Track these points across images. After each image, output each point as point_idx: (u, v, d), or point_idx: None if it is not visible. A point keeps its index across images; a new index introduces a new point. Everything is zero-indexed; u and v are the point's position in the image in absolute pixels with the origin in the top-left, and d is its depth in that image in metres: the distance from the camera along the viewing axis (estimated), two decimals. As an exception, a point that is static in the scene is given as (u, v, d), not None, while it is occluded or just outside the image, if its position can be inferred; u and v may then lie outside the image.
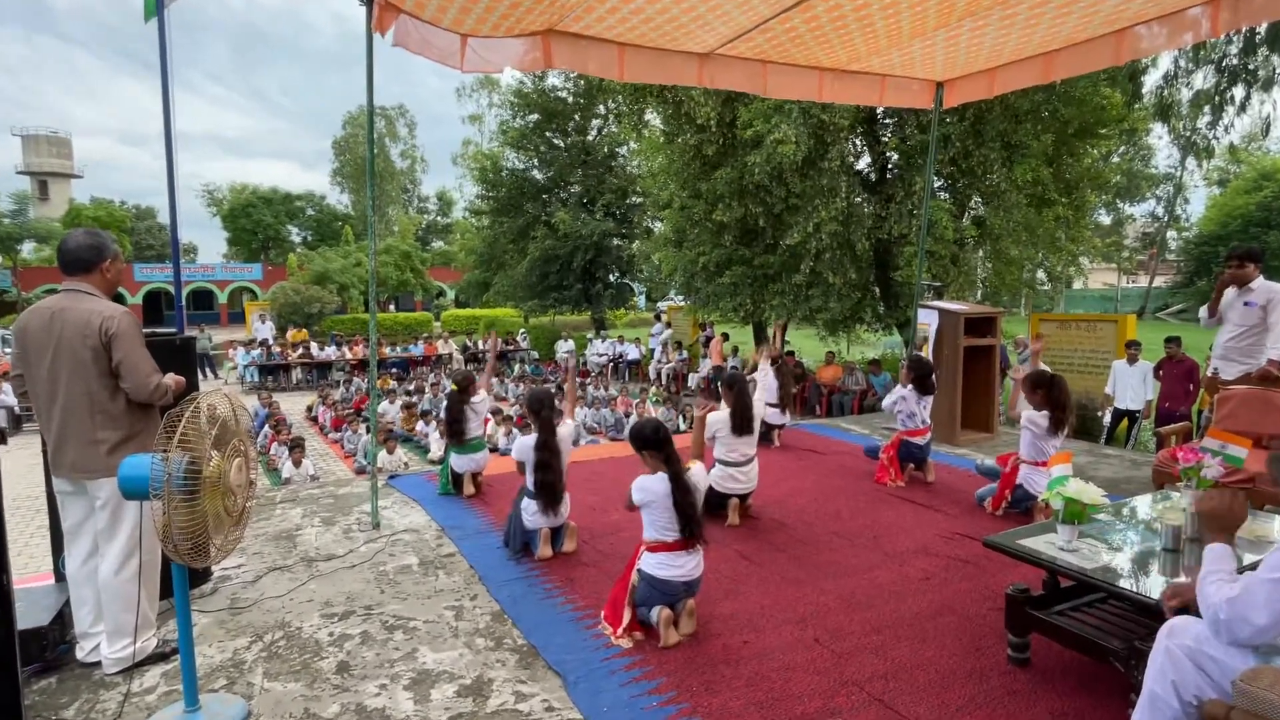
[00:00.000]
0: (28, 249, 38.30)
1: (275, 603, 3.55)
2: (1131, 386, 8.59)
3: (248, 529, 3.17)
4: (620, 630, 3.04)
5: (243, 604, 3.53)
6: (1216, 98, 14.40)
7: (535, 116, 23.32)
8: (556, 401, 4.30)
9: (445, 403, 5.29)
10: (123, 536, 2.83)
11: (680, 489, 2.99)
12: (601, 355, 20.16)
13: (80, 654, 2.93)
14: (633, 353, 19.90)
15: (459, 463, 5.27)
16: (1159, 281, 39.41)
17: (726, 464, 4.49)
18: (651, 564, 3.04)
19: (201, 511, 2.39)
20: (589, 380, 17.06)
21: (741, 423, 4.45)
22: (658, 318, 21.61)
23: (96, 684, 2.83)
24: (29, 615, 2.86)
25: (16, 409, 13.04)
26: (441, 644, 3.13)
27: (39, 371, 2.71)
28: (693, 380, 16.69)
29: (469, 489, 5.28)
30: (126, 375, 2.72)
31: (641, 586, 3.06)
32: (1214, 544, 2.10)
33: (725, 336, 16.78)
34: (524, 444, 4.04)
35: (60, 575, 3.26)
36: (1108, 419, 9.03)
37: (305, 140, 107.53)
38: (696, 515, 3.03)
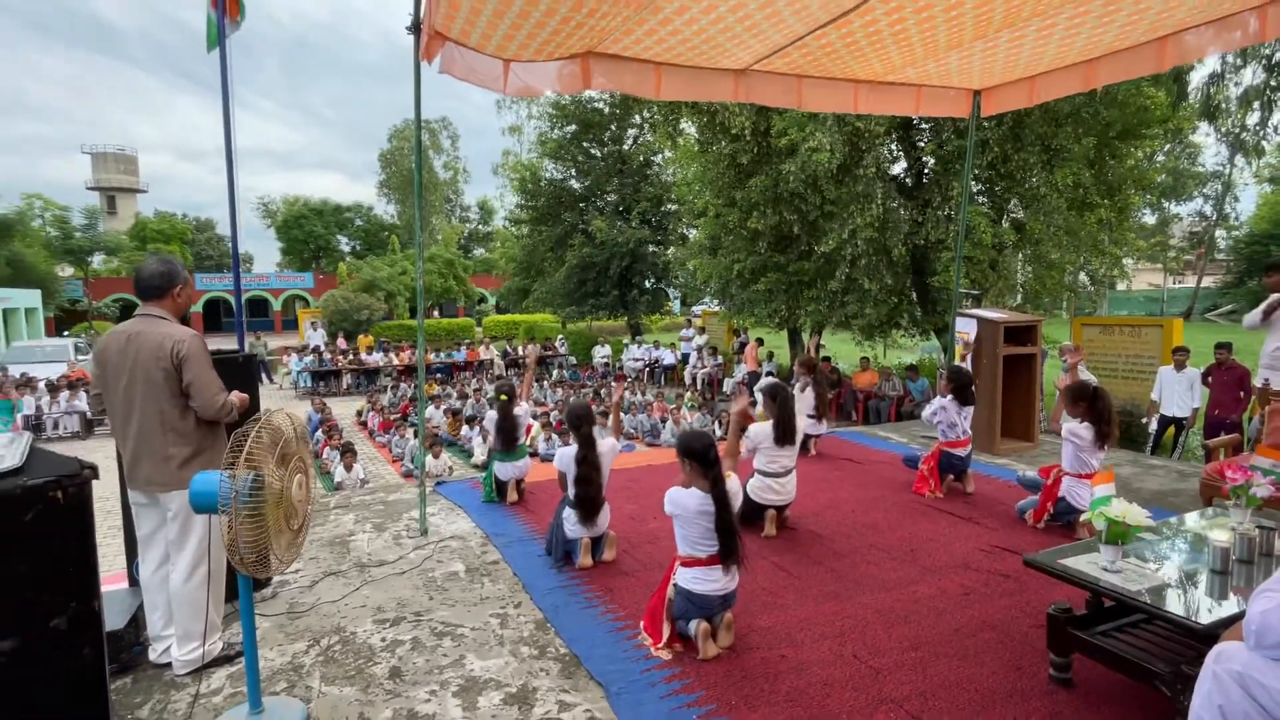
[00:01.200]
0: (97, 260, 39.92)
1: (331, 608, 3.66)
2: (1178, 393, 8.28)
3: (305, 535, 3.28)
4: (661, 643, 3.06)
5: (300, 609, 3.65)
6: (1266, 94, 13.84)
7: (572, 127, 23.51)
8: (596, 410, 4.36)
9: (496, 413, 5.34)
10: (191, 546, 2.95)
11: (722, 507, 2.98)
12: (637, 360, 20.21)
13: (153, 655, 3.07)
14: (668, 358, 19.90)
15: (502, 470, 5.36)
16: (1207, 282, 37.92)
17: (766, 475, 4.48)
18: (687, 579, 3.05)
19: (265, 525, 2.48)
20: (626, 385, 17.12)
21: (784, 434, 4.43)
22: (689, 323, 21.58)
23: (168, 684, 2.95)
24: (107, 619, 3.00)
25: (89, 414, 13.65)
26: (488, 651, 3.19)
27: (116, 392, 2.85)
28: (728, 385, 16.63)
29: (512, 496, 5.36)
30: (196, 395, 2.84)
31: (678, 600, 3.07)
32: None
33: (760, 342, 16.69)
34: (565, 455, 4.10)
35: (134, 580, 3.41)
36: (1154, 426, 8.73)
37: (352, 152, 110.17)
38: (736, 537, 3.00)
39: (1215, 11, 4.30)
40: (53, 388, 13.87)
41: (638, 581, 3.83)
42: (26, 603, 1.28)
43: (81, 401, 13.63)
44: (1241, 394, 7.75)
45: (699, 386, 17.17)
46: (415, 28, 4.28)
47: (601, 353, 21.79)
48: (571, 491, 4.03)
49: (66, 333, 30.77)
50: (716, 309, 20.19)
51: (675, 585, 3.09)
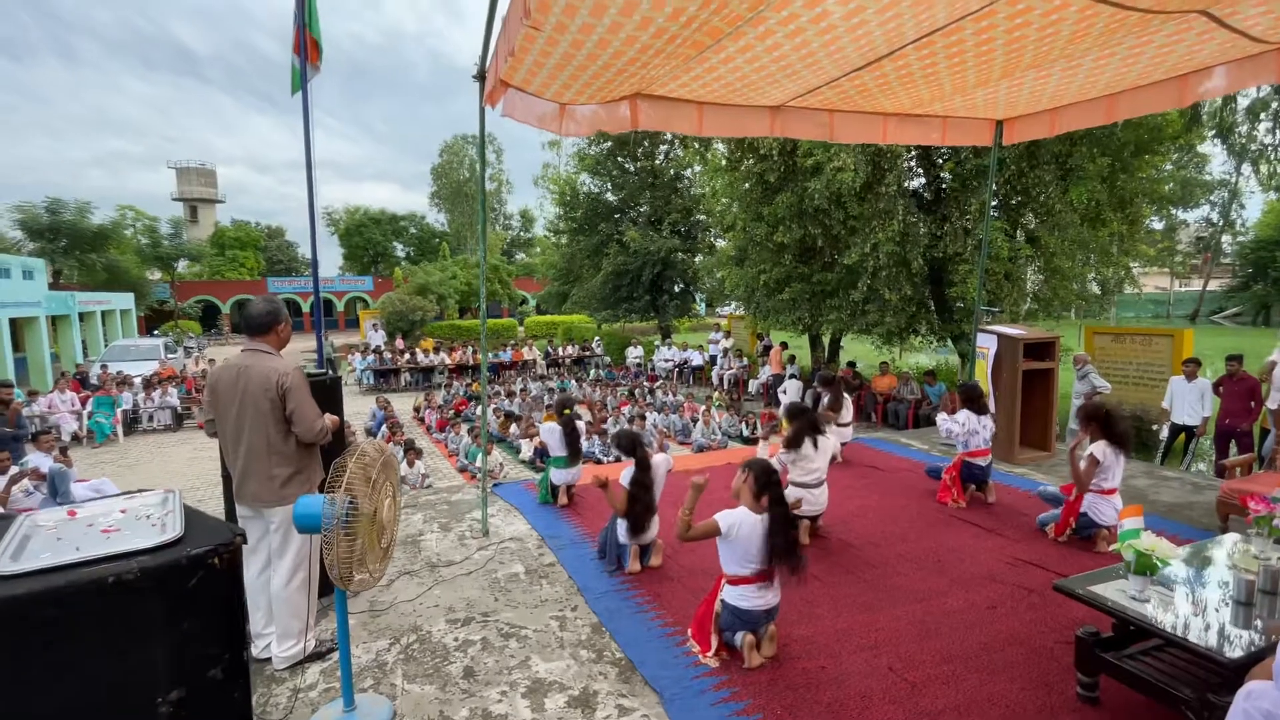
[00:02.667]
0: (181, 265, 41.14)
1: (407, 606, 3.76)
2: (1189, 403, 8.04)
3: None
4: (709, 652, 3.08)
5: (380, 607, 3.75)
6: (1276, 105, 13.27)
7: (608, 143, 23.51)
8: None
9: (560, 427, 5.45)
10: (291, 555, 3.06)
11: (782, 533, 2.99)
12: (667, 361, 20.21)
13: (254, 651, 3.19)
14: (697, 359, 19.86)
15: (558, 475, 5.44)
16: (1213, 285, 36.59)
17: (801, 485, 4.47)
18: (733, 595, 3.06)
19: (360, 544, 2.56)
20: (657, 384, 17.13)
21: (814, 441, 4.47)
22: (717, 327, 21.50)
23: (269, 679, 3.07)
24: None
25: (179, 409, 14.10)
26: (550, 654, 3.25)
27: (228, 419, 2.96)
28: (753, 386, 16.56)
29: (563, 499, 5.43)
30: (298, 421, 2.94)
31: (725, 614, 3.09)
32: None
33: (784, 345, 16.57)
34: (624, 476, 4.16)
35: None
36: (1165, 434, 8.49)
37: (405, 164, 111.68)
38: (796, 552, 3.00)
39: (1237, 52, 4.15)
40: (147, 384, 14.35)
41: (683, 587, 3.86)
42: (191, 657, 1.36)
43: (172, 397, 14.09)
44: (1252, 404, 7.51)
45: (726, 387, 17.11)
46: (481, 76, 4.35)
47: (634, 353, 21.84)
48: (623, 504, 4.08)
49: (156, 331, 31.82)
50: (741, 313, 20.05)
51: (722, 601, 3.11)
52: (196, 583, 1.36)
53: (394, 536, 2.82)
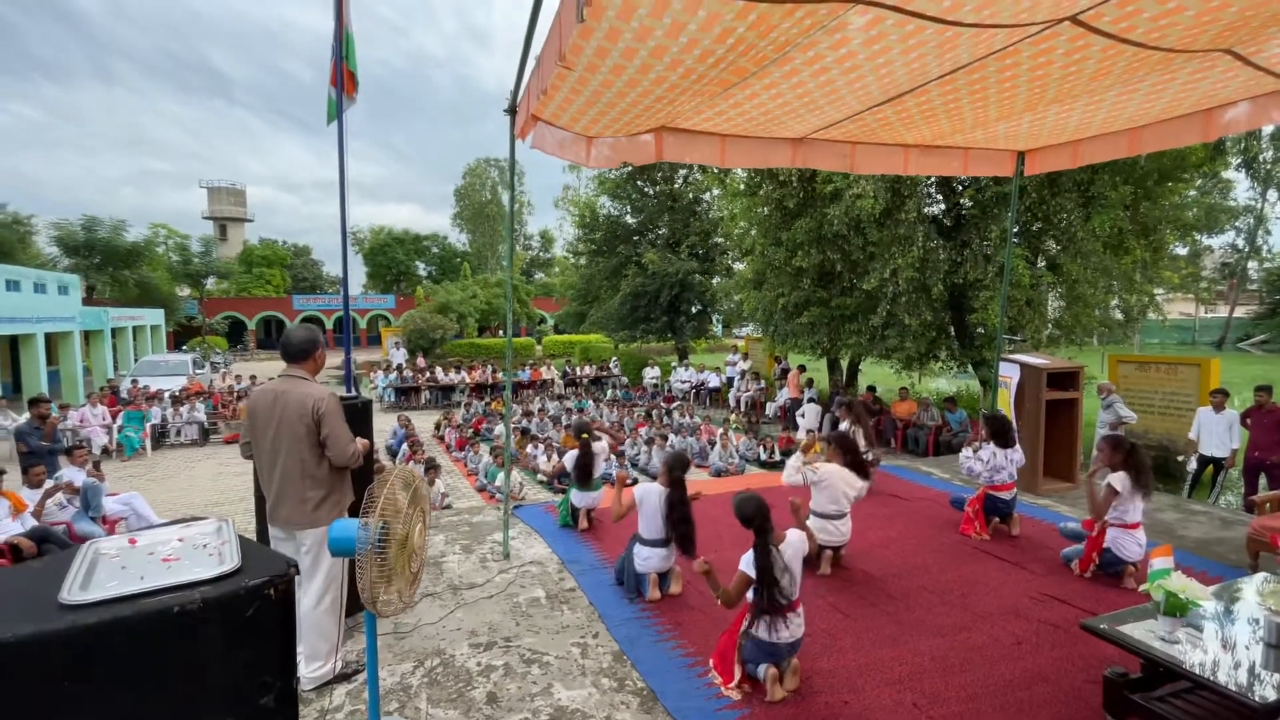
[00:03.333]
0: (210, 282, 42.07)
1: (431, 629, 3.79)
2: (1217, 434, 7.89)
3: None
4: (731, 684, 3.08)
5: (404, 629, 3.79)
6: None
7: (628, 168, 23.79)
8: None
9: (576, 452, 5.58)
10: (321, 576, 3.11)
11: (761, 574, 3.04)
12: (684, 382, 20.22)
13: (283, 671, 3.23)
14: (713, 380, 19.83)
15: (579, 499, 5.50)
16: (1239, 312, 35.93)
17: (823, 516, 4.44)
18: (762, 632, 3.04)
19: (390, 568, 2.61)
20: (674, 406, 17.13)
21: (858, 471, 4.51)
22: (734, 349, 21.50)
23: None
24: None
25: (205, 424, 14.35)
26: (572, 681, 3.26)
27: (264, 442, 3.04)
28: (770, 409, 16.50)
29: (583, 523, 5.46)
30: (331, 446, 3.01)
31: (749, 646, 3.09)
32: None
33: (802, 368, 16.52)
34: (648, 491, 4.16)
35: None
36: (1192, 465, 8.33)
37: (428, 185, 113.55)
38: (780, 593, 3.01)
39: (1261, 88, 4.16)
40: (176, 400, 14.63)
41: (704, 617, 3.85)
42: (246, 685, 1.41)
43: (199, 412, 14.35)
44: (1285, 436, 7.35)
45: (743, 409, 17.06)
46: (512, 110, 4.48)
47: (651, 374, 21.90)
48: (647, 525, 4.12)
49: (184, 347, 32.46)
50: (758, 335, 20.05)
51: (745, 632, 3.10)
52: (253, 612, 1.41)
53: (423, 561, 2.86)
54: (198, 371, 20.58)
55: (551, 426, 13.95)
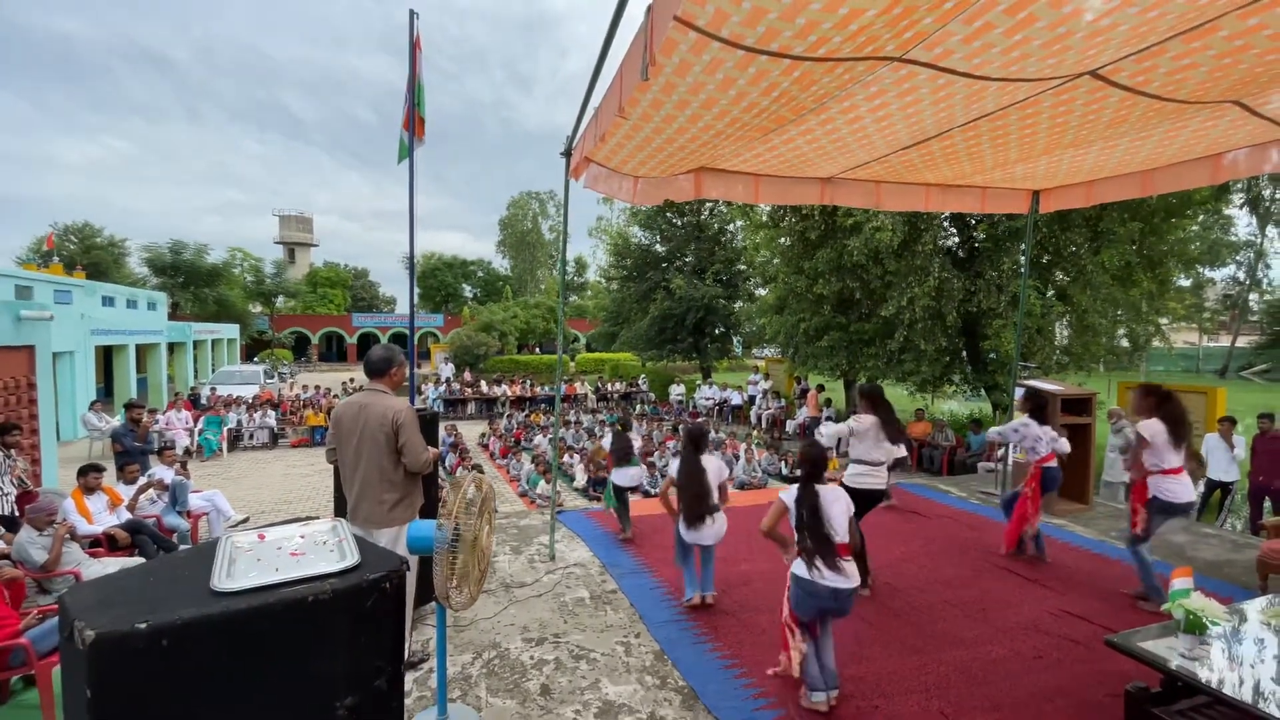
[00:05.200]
0: (279, 301, 43.36)
1: (487, 624, 3.84)
2: (1225, 460, 7.64)
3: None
4: (791, 652, 3.01)
5: (463, 623, 3.85)
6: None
7: (664, 201, 24.06)
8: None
9: (613, 437, 5.96)
10: (393, 573, 3.20)
11: (810, 511, 2.92)
12: (708, 399, 20.17)
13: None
14: (735, 398, 19.76)
15: (619, 476, 5.59)
16: (1241, 342, 34.68)
17: (863, 463, 4.21)
18: (800, 565, 2.92)
19: (463, 565, 2.68)
20: (699, 420, 17.08)
21: (893, 433, 4.22)
22: (755, 369, 21.43)
23: (369, 684, 3.17)
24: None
25: (275, 429, 14.73)
26: (618, 677, 3.28)
27: (348, 449, 3.15)
28: (790, 426, 16.35)
29: (628, 533, 5.40)
30: (407, 453, 3.11)
31: (794, 590, 2.96)
32: None
33: (821, 388, 16.37)
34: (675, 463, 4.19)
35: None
36: (1201, 489, 8.05)
37: (475, 216, 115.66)
38: (828, 540, 2.87)
39: (1266, 136, 4.10)
40: (249, 406, 15.06)
41: (738, 622, 3.84)
42: (364, 669, 1.47)
43: (270, 418, 14.74)
44: (1294, 463, 7.09)
45: (764, 426, 16.95)
46: (567, 153, 4.61)
47: (677, 390, 21.91)
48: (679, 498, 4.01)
49: (256, 359, 33.40)
50: (778, 356, 19.95)
51: (793, 576, 2.96)
52: (372, 603, 1.48)
53: (490, 561, 2.92)
54: (267, 381, 21.16)
55: (586, 438, 14.02)
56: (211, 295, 32.49)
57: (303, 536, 1.72)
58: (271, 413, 14.91)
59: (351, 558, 1.54)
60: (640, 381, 23.86)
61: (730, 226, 24.25)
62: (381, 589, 1.48)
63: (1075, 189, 5.67)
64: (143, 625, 1.27)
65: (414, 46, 5.95)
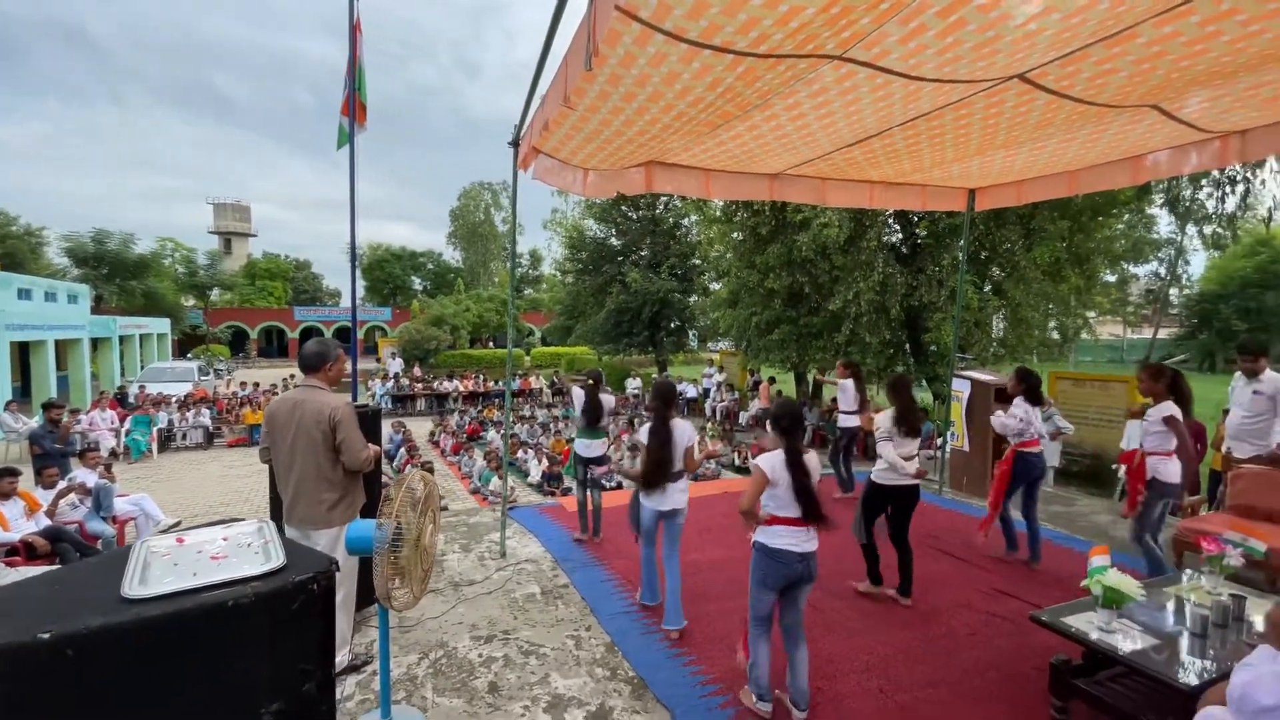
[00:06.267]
0: (214, 294, 41.35)
1: (434, 623, 3.77)
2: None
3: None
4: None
5: (409, 624, 3.77)
6: (1215, 175, 13.73)
7: (616, 194, 23.97)
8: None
9: (584, 394, 5.22)
10: (333, 574, 3.10)
11: (799, 470, 2.78)
12: (665, 392, 20.29)
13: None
14: (691, 391, 19.95)
15: (582, 447, 5.17)
16: (1162, 334, 37.16)
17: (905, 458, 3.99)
18: (768, 535, 2.83)
19: (405, 565, 2.62)
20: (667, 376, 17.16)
21: (909, 428, 4.04)
22: (710, 362, 21.69)
23: (309, 689, 3.07)
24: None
25: (210, 428, 14.05)
26: (568, 671, 3.27)
27: (282, 448, 3.03)
28: (743, 418, 16.63)
29: (583, 535, 5.17)
30: (345, 451, 3.02)
31: (759, 559, 2.84)
32: (1264, 645, 2.04)
33: (772, 380, 16.70)
34: (644, 429, 3.79)
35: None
36: (1122, 472, 8.59)
37: (424, 206, 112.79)
38: (815, 498, 2.77)
39: (1183, 139, 4.38)
40: (182, 405, 14.32)
41: (688, 611, 3.86)
42: (291, 673, 1.42)
43: (205, 417, 14.05)
44: (1198, 445, 7.63)
45: (718, 418, 17.18)
46: (515, 143, 4.54)
47: (633, 384, 21.99)
48: (641, 459, 3.73)
49: (190, 355, 31.75)
50: (732, 350, 20.25)
51: (756, 544, 2.87)
52: (298, 606, 1.43)
53: (434, 560, 2.87)
54: (202, 378, 20.15)
55: (541, 433, 13.90)
56: (139, 288, 30.70)
57: (225, 539, 1.65)
58: (206, 411, 14.22)
59: (277, 560, 1.48)
60: (595, 375, 23.83)
61: (685, 221, 24.39)
62: (308, 590, 1.43)
63: (1008, 188, 5.93)
64: (45, 636, 1.20)
65: (354, 29, 5.74)
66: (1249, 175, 12.23)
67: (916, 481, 4.04)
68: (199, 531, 1.70)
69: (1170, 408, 3.94)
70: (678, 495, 3.69)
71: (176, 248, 37.27)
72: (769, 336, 13.40)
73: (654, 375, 22.76)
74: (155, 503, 7.43)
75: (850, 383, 6.37)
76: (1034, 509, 4.79)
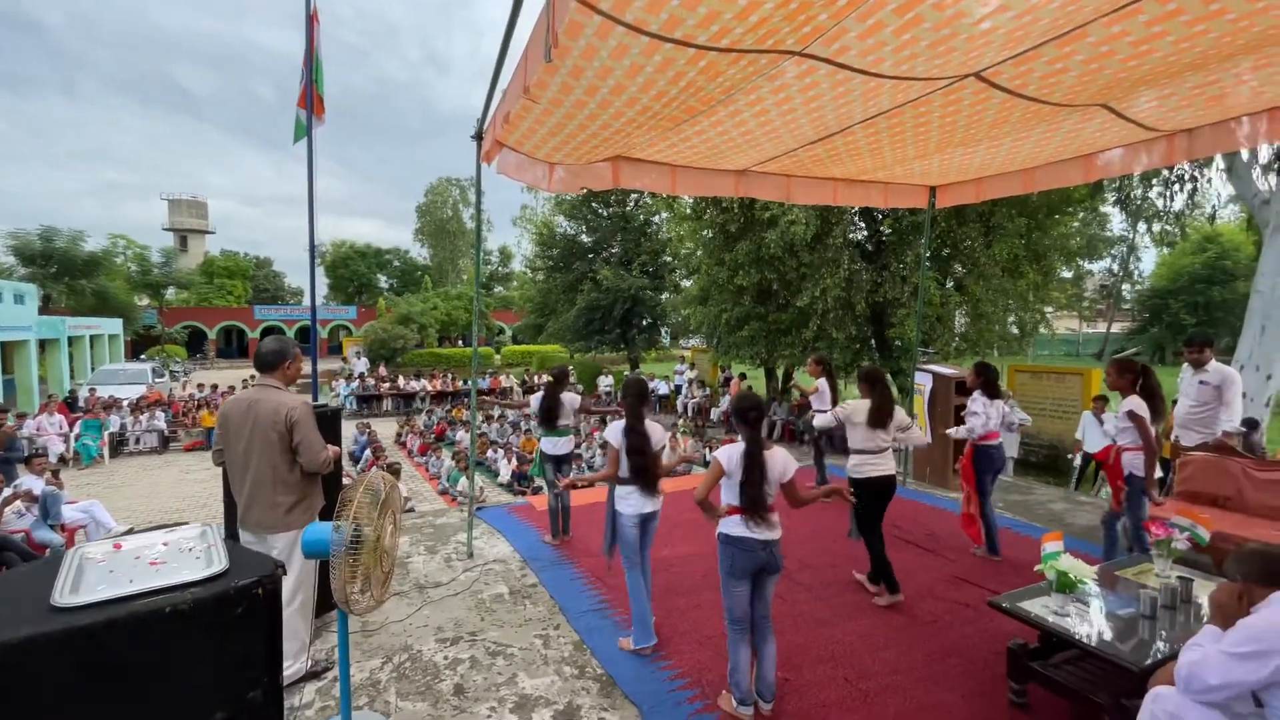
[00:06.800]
0: (170, 293, 39.89)
1: (398, 627, 3.70)
2: (1098, 434, 8.47)
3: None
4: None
5: (372, 627, 3.69)
6: (1165, 174, 14.26)
7: (584, 190, 23.84)
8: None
9: (543, 392, 5.08)
10: (292, 579, 3.01)
11: (751, 464, 2.78)
12: (637, 389, 20.29)
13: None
14: (663, 388, 20.00)
15: (548, 445, 5.07)
16: (1116, 328, 38.62)
17: (861, 452, 4.04)
18: (729, 524, 2.83)
19: (364, 569, 2.55)
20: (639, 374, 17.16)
21: (879, 417, 4.02)
22: (682, 359, 21.77)
23: (267, 698, 2.98)
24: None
25: (165, 432, 13.57)
26: (535, 670, 3.24)
27: (236, 449, 2.93)
28: (715, 414, 16.73)
29: (552, 538, 5.07)
30: (303, 452, 2.93)
31: (726, 552, 2.83)
32: (1210, 625, 2.12)
33: (743, 376, 16.83)
34: (615, 428, 3.55)
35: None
36: (1078, 462, 8.90)
37: (390, 201, 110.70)
38: (760, 492, 2.77)
39: (1133, 138, 4.53)
40: (135, 408, 13.79)
41: (658, 606, 3.85)
42: (236, 681, 1.36)
43: (159, 420, 13.56)
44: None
45: (690, 414, 17.25)
46: (479, 136, 4.47)
47: (605, 382, 21.93)
48: (625, 463, 3.46)
49: (143, 356, 30.61)
50: (704, 347, 20.36)
51: (720, 534, 2.86)
52: (242, 611, 1.37)
53: (394, 562, 2.81)
54: (157, 380, 19.44)
55: (511, 432, 13.78)
56: (89, 287, 29.37)
57: (166, 544, 1.58)
58: (161, 414, 13.72)
59: (219, 564, 1.43)
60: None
61: (656, 218, 24.41)
62: (252, 595, 1.38)
63: (967, 185, 6.07)
64: (-36, 650, 1.13)
65: (311, 19, 5.57)
66: (1196, 174, 12.72)
67: (893, 472, 4.04)
68: (139, 536, 1.63)
69: (1133, 402, 3.97)
70: (658, 497, 3.51)
71: (129, 245, 35.76)
72: (739, 333, 13.50)
73: (625, 373, 22.75)
74: (106, 510, 7.14)
75: (824, 380, 6.46)
76: (988, 500, 4.85)
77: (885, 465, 4.04)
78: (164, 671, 1.26)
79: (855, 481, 4.00)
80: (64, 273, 28.82)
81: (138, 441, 13.18)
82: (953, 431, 4.94)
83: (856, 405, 4.08)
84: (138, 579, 1.36)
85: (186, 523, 1.82)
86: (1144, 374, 4.04)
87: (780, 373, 16.63)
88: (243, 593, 1.38)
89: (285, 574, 1.61)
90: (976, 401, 4.71)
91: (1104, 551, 4.33)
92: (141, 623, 1.24)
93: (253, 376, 21.10)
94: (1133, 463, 4.06)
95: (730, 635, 2.85)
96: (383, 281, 50.34)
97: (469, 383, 21.42)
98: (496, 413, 15.88)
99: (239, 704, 1.34)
